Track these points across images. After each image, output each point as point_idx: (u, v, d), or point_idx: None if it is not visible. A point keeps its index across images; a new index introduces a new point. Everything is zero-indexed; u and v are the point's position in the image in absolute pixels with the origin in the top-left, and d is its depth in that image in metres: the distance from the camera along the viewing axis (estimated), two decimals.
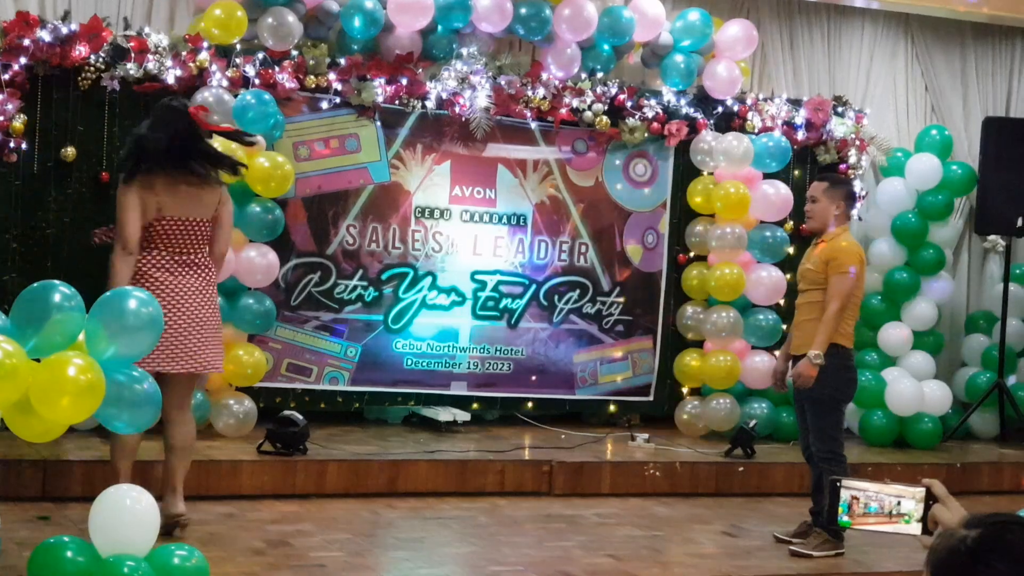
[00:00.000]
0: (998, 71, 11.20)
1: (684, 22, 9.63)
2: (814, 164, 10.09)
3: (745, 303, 9.69)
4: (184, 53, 8.32)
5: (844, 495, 2.83)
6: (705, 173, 9.79)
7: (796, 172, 10.03)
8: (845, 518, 2.83)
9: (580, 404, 9.86)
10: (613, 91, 9.49)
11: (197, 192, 6.42)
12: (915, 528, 2.79)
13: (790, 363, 7.43)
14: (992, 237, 11.00)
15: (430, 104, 9.00)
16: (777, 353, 8.05)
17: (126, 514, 4.74)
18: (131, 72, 8.22)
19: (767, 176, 9.74)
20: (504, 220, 9.46)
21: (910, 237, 10.27)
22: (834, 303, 7.07)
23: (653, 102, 9.61)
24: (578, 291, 9.68)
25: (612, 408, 9.91)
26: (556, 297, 9.63)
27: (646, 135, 9.62)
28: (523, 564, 6.60)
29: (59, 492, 6.94)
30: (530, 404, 9.68)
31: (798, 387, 7.09)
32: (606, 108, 9.48)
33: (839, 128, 10.04)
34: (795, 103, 10.04)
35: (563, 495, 8.30)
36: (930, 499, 2.78)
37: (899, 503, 2.80)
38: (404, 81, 8.90)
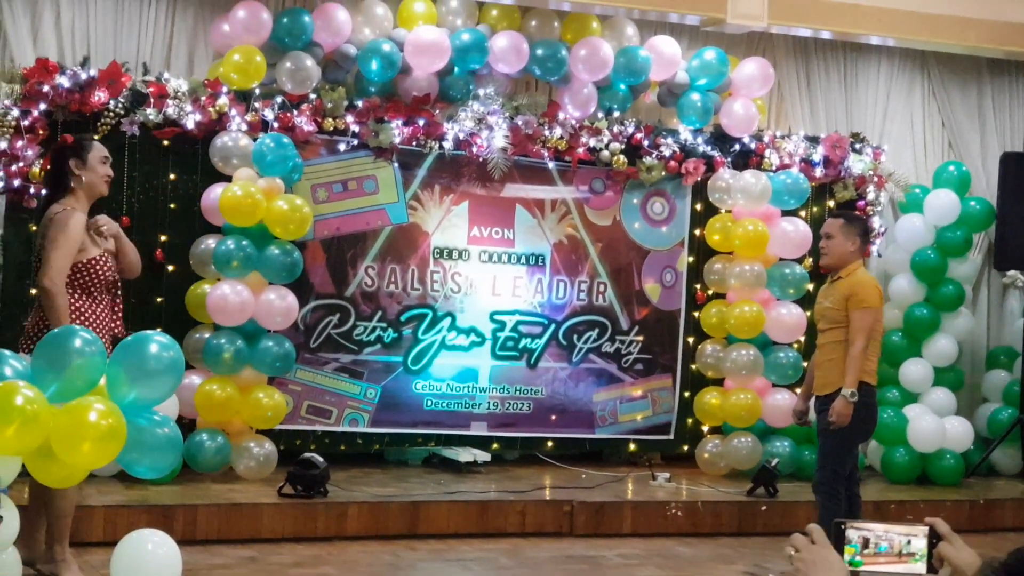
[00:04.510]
0: (1015, 106, 11.18)
1: (700, 61, 9.65)
2: (832, 201, 10.08)
3: (765, 340, 9.66)
4: (203, 98, 8.36)
5: (853, 535, 2.81)
6: (723, 211, 9.78)
7: (814, 209, 10.01)
8: (857, 558, 2.81)
9: (600, 443, 9.84)
10: (630, 130, 9.51)
11: None
12: (921, 567, 2.77)
13: (812, 402, 7.40)
14: (1011, 272, 10.96)
15: (447, 145, 9.03)
16: (798, 391, 8.01)
17: (148, 559, 4.75)
18: (150, 117, 8.27)
19: (785, 213, 9.73)
20: (522, 260, 9.46)
21: (929, 273, 10.24)
22: (859, 340, 7.02)
23: (670, 141, 9.62)
24: (597, 330, 9.67)
25: (632, 447, 9.88)
26: (575, 336, 9.62)
27: (663, 174, 9.63)
28: None
29: (80, 537, 6.93)
30: (550, 444, 9.65)
31: (838, 426, 7.02)
32: (623, 147, 9.50)
33: (857, 165, 10.03)
34: (812, 140, 10.04)
35: (584, 535, 8.27)
36: (934, 537, 2.76)
37: (909, 542, 2.78)
38: (421, 122, 8.93)
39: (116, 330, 6.42)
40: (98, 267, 6.29)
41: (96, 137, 8.13)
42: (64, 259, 6.20)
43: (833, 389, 7.08)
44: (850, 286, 7.14)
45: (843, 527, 2.83)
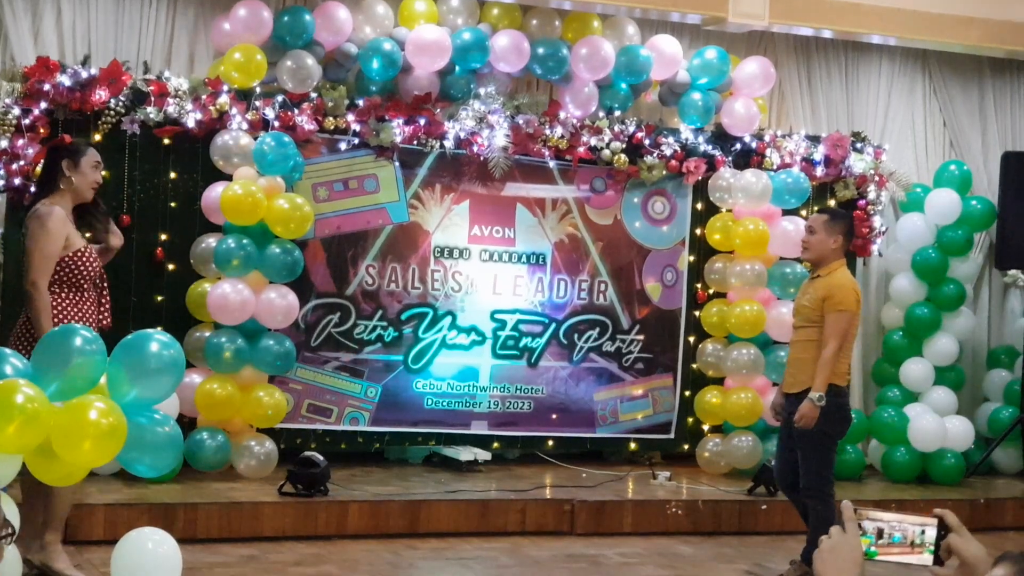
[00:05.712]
0: (1016, 105, 11.17)
1: (701, 60, 9.65)
2: (834, 200, 10.07)
3: (765, 340, 9.66)
4: (204, 96, 8.36)
5: (868, 526, 2.80)
6: (724, 210, 9.78)
7: (815, 208, 9.99)
8: (872, 548, 2.80)
9: (601, 442, 9.83)
10: (631, 129, 9.51)
11: None
12: (930, 559, 2.76)
13: (785, 399, 7.36)
14: (1012, 272, 10.95)
15: (448, 144, 9.03)
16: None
17: (148, 557, 4.75)
18: (151, 116, 8.27)
19: (786, 212, 9.72)
20: (523, 259, 9.46)
21: (930, 272, 10.23)
22: (832, 342, 6.95)
23: (671, 140, 9.61)
24: (598, 329, 9.67)
25: (633, 446, 9.88)
26: (576, 335, 9.61)
27: (664, 173, 9.62)
28: None
29: (81, 535, 6.94)
30: (551, 443, 9.65)
31: (801, 428, 7.00)
32: (624, 146, 9.49)
33: (858, 164, 10.02)
34: (814, 139, 10.04)
35: (585, 534, 8.27)
36: (942, 529, 2.75)
37: (923, 532, 2.77)
38: (422, 121, 8.93)
39: (103, 322, 6.42)
40: (83, 260, 6.30)
41: (97, 137, 8.16)
42: (43, 260, 6.21)
43: (802, 388, 7.04)
44: (827, 286, 7.07)
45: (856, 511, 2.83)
